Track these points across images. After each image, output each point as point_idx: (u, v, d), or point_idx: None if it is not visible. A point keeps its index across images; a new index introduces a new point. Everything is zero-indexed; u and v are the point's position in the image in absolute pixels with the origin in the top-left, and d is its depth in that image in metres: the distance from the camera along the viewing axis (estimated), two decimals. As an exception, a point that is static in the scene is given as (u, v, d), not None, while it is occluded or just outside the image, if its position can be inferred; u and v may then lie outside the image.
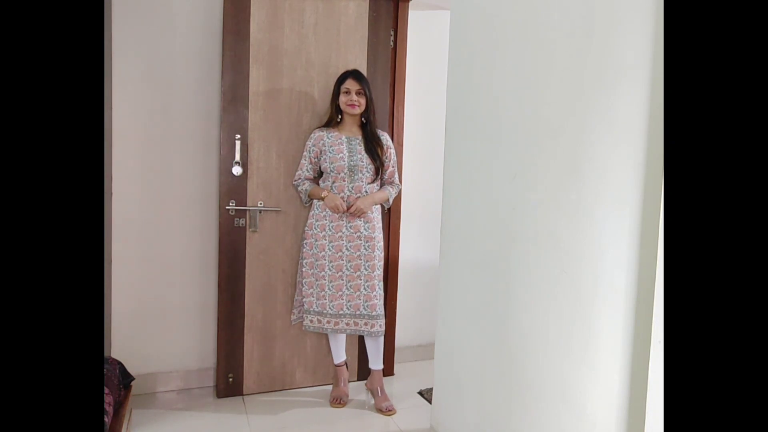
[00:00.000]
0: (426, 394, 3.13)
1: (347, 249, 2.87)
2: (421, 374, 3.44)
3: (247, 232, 2.94)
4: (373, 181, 2.88)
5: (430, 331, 3.70)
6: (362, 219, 2.86)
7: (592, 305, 1.70)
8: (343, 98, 2.86)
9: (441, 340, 2.50)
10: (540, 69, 1.87)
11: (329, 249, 2.86)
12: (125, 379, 2.58)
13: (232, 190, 2.91)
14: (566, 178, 1.78)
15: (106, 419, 2.13)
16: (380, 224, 2.94)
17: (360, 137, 2.88)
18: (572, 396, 1.78)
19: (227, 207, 2.90)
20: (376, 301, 2.87)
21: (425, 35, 3.49)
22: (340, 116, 2.92)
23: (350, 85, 2.85)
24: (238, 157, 2.88)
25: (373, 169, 2.87)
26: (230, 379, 2.96)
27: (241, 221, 2.92)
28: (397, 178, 3.00)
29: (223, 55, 2.84)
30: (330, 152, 2.84)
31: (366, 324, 2.88)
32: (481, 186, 2.20)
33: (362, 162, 2.84)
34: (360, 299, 2.88)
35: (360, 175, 2.84)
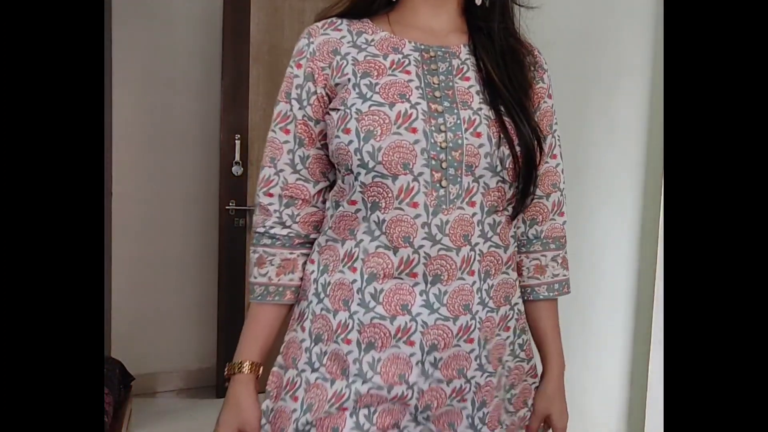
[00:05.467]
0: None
1: None
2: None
3: (247, 232, 2.94)
4: (504, 208, 0.94)
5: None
6: None
7: (592, 305, 1.70)
8: None
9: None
10: (540, 69, 1.86)
11: None
12: (125, 379, 2.58)
13: (232, 190, 2.91)
14: (566, 178, 1.78)
15: (106, 419, 2.12)
16: None
17: (467, 48, 0.96)
18: (572, 396, 1.78)
19: (227, 207, 2.89)
20: None
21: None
22: None
23: None
24: (238, 157, 2.87)
25: (510, 165, 0.90)
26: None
27: (241, 221, 2.92)
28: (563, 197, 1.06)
29: (223, 55, 2.84)
30: (367, 93, 0.90)
31: None
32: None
33: (478, 140, 0.89)
34: None
35: (466, 184, 0.89)
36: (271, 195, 0.97)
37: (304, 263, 1.00)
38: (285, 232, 0.98)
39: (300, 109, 0.95)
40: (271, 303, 1.00)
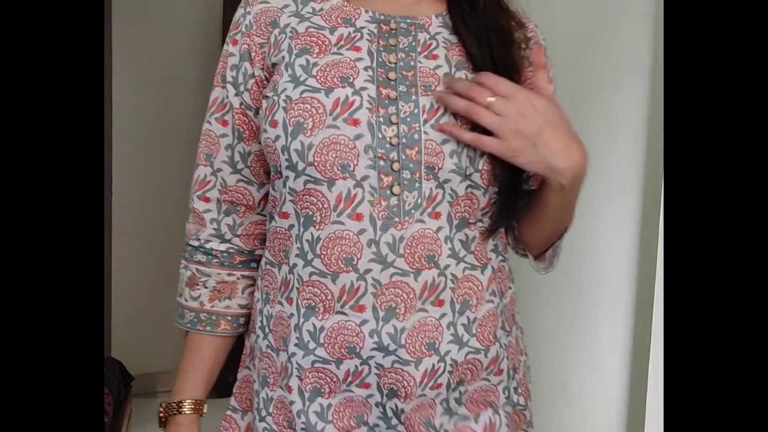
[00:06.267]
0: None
1: None
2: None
3: (247, 232, 2.93)
4: (478, 220, 0.77)
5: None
6: None
7: (592, 305, 1.70)
8: None
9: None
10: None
11: None
12: (125, 379, 2.57)
13: (232, 190, 2.90)
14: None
15: (106, 419, 2.12)
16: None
17: (439, 19, 0.78)
18: (572, 396, 1.78)
19: (227, 207, 2.89)
20: None
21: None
22: None
23: None
24: (238, 157, 2.87)
25: (484, 166, 0.73)
26: (230, 379, 2.95)
27: (241, 221, 2.91)
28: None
29: (223, 55, 2.83)
30: (301, 75, 0.73)
31: None
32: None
33: (441, 135, 0.72)
34: None
35: (426, 191, 0.72)
36: (207, 199, 0.81)
37: (247, 287, 0.83)
38: (224, 247, 0.82)
39: (237, 95, 0.79)
40: (203, 333, 0.86)
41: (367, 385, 0.73)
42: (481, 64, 0.74)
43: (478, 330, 0.75)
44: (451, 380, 0.74)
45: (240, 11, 0.79)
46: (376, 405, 0.74)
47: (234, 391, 0.86)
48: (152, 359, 2.98)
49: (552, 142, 0.70)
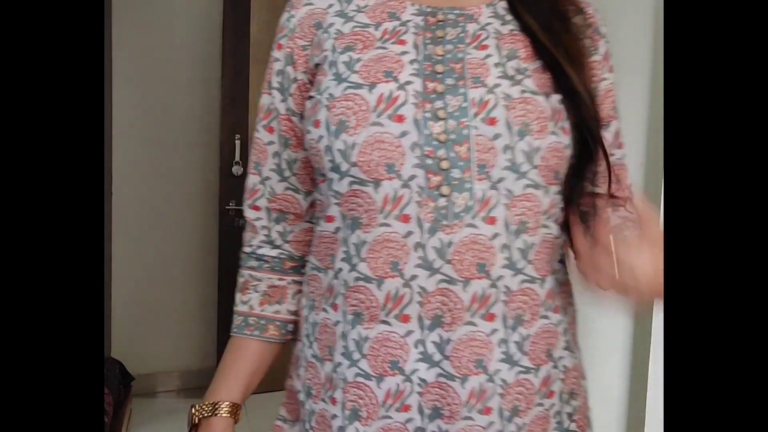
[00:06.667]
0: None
1: None
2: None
3: (247, 232, 2.93)
4: (541, 225, 0.70)
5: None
6: None
7: (592, 305, 1.70)
8: None
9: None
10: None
11: None
12: (125, 379, 2.57)
13: (232, 190, 2.90)
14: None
15: (106, 419, 2.12)
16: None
17: (490, 9, 0.73)
18: (572, 396, 1.78)
19: (227, 207, 2.89)
20: None
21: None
22: None
23: None
24: (238, 157, 2.87)
25: (541, 161, 0.68)
26: (230, 379, 2.95)
27: (241, 221, 2.89)
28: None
29: (223, 55, 2.84)
30: (344, 72, 0.70)
31: None
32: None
33: (492, 129, 0.67)
34: None
35: (479, 192, 0.67)
36: (257, 208, 0.81)
37: (297, 292, 0.81)
38: (275, 252, 0.80)
39: (282, 101, 0.76)
40: (250, 338, 0.81)
41: (407, 408, 0.68)
42: (549, 52, 0.68)
43: (531, 348, 0.69)
44: (504, 406, 0.68)
45: (285, 15, 0.77)
46: (415, 431, 0.68)
47: (284, 400, 0.83)
48: (152, 359, 2.99)
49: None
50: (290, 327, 0.82)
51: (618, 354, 1.65)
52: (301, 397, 0.77)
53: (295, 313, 0.81)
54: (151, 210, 2.96)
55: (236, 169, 2.87)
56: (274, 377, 3.12)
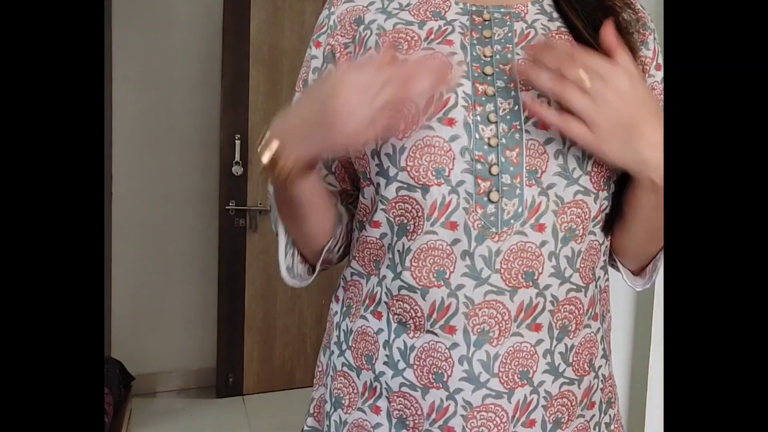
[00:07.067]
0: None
1: None
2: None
3: (248, 232, 2.94)
4: (588, 231, 0.68)
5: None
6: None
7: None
8: None
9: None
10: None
11: None
12: (125, 379, 2.58)
13: (232, 190, 2.90)
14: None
15: (106, 419, 2.13)
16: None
17: (537, 7, 0.71)
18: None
19: (227, 207, 2.89)
20: None
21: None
22: None
23: None
24: (238, 157, 2.87)
25: (593, 167, 0.66)
26: (230, 379, 2.95)
27: (241, 221, 2.92)
28: None
29: (223, 55, 2.84)
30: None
31: None
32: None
33: (545, 133, 0.66)
34: None
35: (529, 198, 0.65)
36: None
37: (346, 212, 0.76)
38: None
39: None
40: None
41: (451, 429, 0.65)
42: (595, 51, 0.64)
43: (575, 358, 0.68)
44: (547, 418, 0.66)
45: (324, 12, 0.75)
46: None
47: (311, 411, 0.79)
48: (152, 359, 2.99)
49: (649, 134, 0.60)
50: (337, 206, 0.75)
51: (618, 354, 1.65)
52: (328, 407, 0.74)
53: (339, 218, 0.75)
54: (151, 210, 2.96)
55: (236, 169, 2.87)
56: (275, 378, 3.14)
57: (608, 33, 0.61)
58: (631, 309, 1.63)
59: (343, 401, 0.72)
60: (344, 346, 0.73)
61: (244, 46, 2.84)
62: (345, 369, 0.72)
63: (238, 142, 2.87)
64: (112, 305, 2.91)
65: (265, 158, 0.64)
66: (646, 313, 1.58)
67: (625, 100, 0.60)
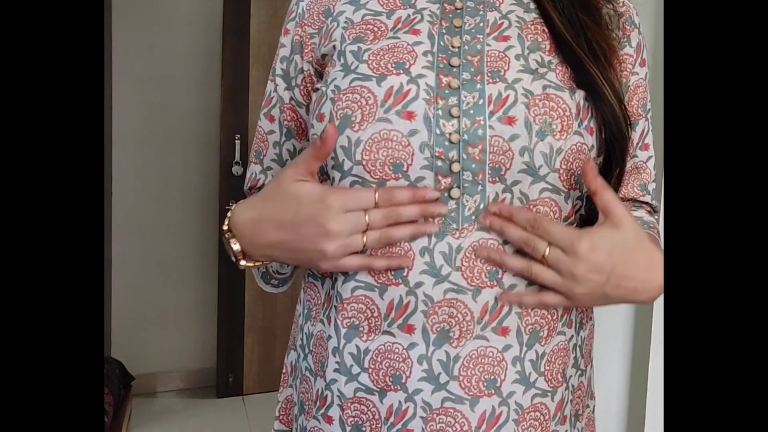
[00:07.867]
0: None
1: None
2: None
3: (247, 232, 2.93)
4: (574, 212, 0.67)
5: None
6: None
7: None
8: None
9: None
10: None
11: None
12: (125, 379, 2.58)
13: (232, 190, 2.90)
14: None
15: (106, 419, 2.13)
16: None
17: None
18: (572, 396, 1.78)
19: (227, 207, 2.88)
20: None
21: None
22: None
23: None
24: (238, 157, 2.87)
25: (562, 165, 0.63)
26: (230, 379, 2.95)
27: (241, 221, 2.91)
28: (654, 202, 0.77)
29: (223, 55, 2.84)
30: (352, 63, 0.65)
31: None
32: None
33: (510, 129, 0.62)
34: None
35: (491, 195, 0.63)
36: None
37: None
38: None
39: (287, 89, 0.72)
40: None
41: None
42: (569, 46, 0.62)
43: (547, 367, 0.64)
44: None
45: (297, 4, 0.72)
46: None
47: (277, 414, 0.77)
48: (152, 359, 2.99)
49: (624, 285, 0.60)
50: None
51: (618, 354, 1.65)
52: (296, 410, 0.73)
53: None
54: (151, 210, 2.96)
55: (236, 169, 2.87)
56: (275, 378, 3.14)
57: (589, 175, 0.59)
58: (631, 309, 1.63)
59: (304, 406, 0.70)
60: (306, 350, 0.71)
61: (244, 46, 2.84)
62: (307, 373, 0.71)
63: (238, 142, 2.87)
64: (111, 305, 2.91)
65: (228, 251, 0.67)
66: (646, 313, 1.58)
67: (595, 269, 0.58)
